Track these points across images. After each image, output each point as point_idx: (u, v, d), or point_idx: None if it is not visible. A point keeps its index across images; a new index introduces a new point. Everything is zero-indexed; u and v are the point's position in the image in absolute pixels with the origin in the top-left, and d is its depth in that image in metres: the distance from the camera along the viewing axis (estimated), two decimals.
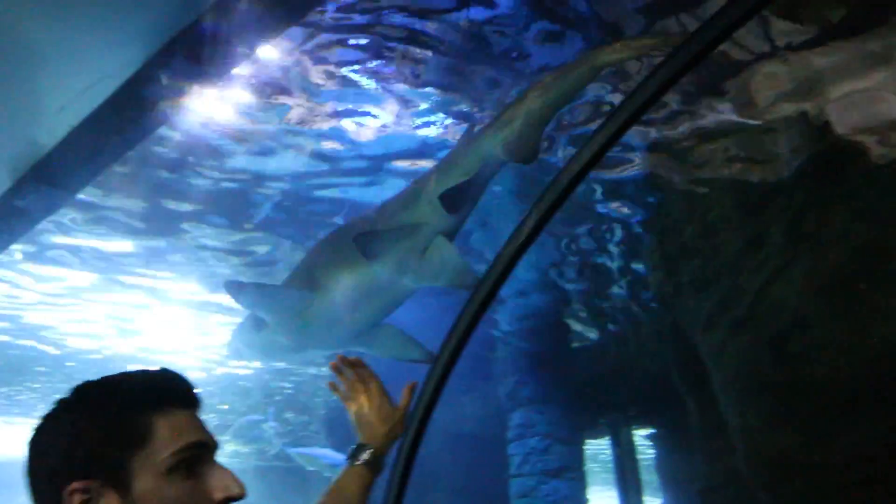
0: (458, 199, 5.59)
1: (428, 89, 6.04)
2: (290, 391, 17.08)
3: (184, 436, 1.33)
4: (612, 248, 8.46)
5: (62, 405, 1.37)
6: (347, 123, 6.50)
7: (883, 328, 5.23)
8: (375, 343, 7.38)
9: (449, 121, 6.44)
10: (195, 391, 1.44)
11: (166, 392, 1.38)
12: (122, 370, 1.43)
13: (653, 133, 6.26)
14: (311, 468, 10.49)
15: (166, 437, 1.31)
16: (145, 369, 1.42)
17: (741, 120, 5.86)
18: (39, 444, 1.33)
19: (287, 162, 7.04)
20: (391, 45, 5.43)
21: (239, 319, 7.59)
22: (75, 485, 1.26)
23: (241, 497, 1.34)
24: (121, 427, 1.30)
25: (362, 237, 5.93)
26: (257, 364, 13.67)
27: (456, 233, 5.94)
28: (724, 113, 5.85)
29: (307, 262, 7.01)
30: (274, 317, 6.82)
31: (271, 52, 5.33)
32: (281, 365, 14.01)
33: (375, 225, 6.16)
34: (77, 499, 1.26)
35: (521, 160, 5.16)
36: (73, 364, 15.35)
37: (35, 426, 1.36)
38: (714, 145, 6.31)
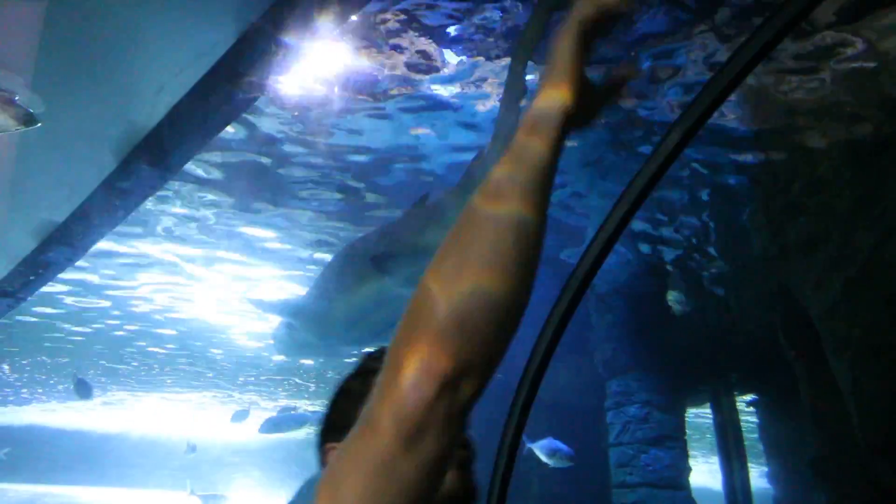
0: None
1: None
2: None
3: None
4: (712, 209, 8.15)
5: None
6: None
7: None
8: None
9: None
10: None
11: None
12: None
13: (754, 84, 5.95)
14: (552, 462, 10.50)
15: None
16: None
17: (854, 66, 5.48)
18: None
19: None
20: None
21: None
22: (329, 445, 1.45)
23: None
24: (358, 390, 1.39)
25: (379, 258, 6.54)
26: None
27: None
28: (835, 59, 5.49)
29: (328, 272, 7.67)
30: (297, 322, 7.53)
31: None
32: None
33: (392, 244, 6.67)
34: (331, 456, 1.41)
35: None
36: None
37: None
38: (823, 94, 5.94)
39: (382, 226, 7.40)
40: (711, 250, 9.21)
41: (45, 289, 10.65)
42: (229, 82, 3.65)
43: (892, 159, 5.99)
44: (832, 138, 6.32)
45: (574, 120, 1.16)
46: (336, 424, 1.43)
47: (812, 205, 6.58)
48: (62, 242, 5.83)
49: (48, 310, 14.14)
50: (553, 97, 1.16)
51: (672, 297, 10.94)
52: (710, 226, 8.57)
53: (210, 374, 20.59)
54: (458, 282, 1.00)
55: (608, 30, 1.19)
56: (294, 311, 7.81)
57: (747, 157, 7.07)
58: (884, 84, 5.67)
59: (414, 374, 0.95)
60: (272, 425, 13.68)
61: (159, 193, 8.05)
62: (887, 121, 6.02)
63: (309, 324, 7.63)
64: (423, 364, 0.96)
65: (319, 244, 9.78)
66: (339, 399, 1.49)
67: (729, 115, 6.39)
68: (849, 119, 6.15)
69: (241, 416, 16.38)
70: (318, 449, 1.49)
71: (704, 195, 7.92)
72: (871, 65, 5.47)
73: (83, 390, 15.49)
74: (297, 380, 21.07)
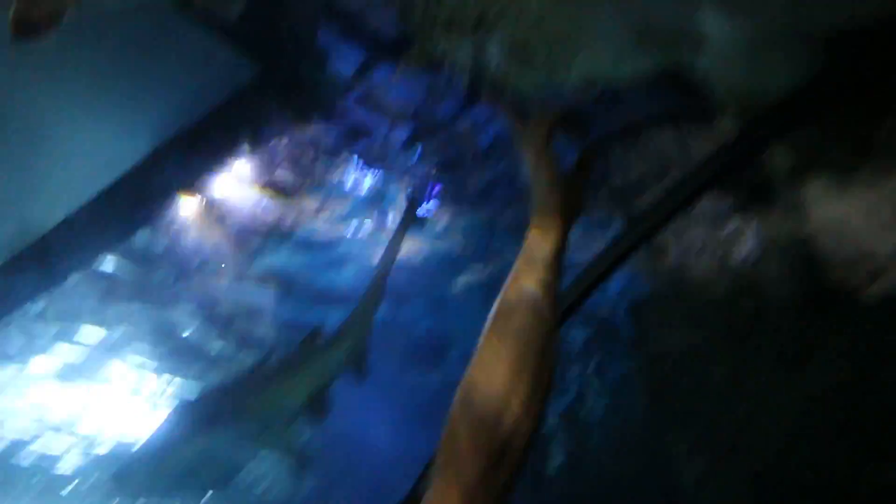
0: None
1: None
2: None
3: None
4: (593, 379, 8.36)
5: None
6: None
7: (875, 473, 5.11)
8: None
9: None
10: None
11: None
12: None
13: (635, 259, 6.30)
14: None
15: None
16: None
17: (730, 250, 5.91)
18: None
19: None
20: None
21: None
22: None
23: None
24: None
25: (213, 415, 6.74)
26: None
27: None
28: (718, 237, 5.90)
29: (164, 426, 7.62)
30: (133, 473, 7.69)
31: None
32: None
33: (229, 402, 6.90)
34: None
35: (359, 369, 6.20)
36: None
37: None
38: (698, 268, 6.33)
39: (221, 383, 7.69)
40: (592, 416, 9.35)
41: None
42: (135, 196, 3.62)
43: (761, 336, 6.35)
44: (708, 309, 6.69)
45: (568, 220, 1.42)
46: None
47: (687, 377, 6.84)
48: None
49: None
50: (545, 230, 1.42)
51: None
52: (588, 382, 8.75)
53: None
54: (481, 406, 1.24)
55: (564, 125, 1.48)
56: (130, 462, 7.71)
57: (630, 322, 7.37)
58: (761, 267, 6.12)
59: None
60: None
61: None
62: (760, 297, 6.43)
63: (143, 475, 7.55)
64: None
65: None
66: None
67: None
68: (725, 293, 6.55)
69: None
70: None
71: (583, 345, 8.13)
72: (751, 246, 5.92)
73: None
74: None
